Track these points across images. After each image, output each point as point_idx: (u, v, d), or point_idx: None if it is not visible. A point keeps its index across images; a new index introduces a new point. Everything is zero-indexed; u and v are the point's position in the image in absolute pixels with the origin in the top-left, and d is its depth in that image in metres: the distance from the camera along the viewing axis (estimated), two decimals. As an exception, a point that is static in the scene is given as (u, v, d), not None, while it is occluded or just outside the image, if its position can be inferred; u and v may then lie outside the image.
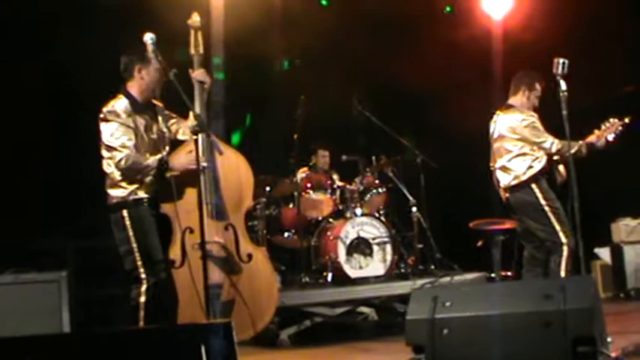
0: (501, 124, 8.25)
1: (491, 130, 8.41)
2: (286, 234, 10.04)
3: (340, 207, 9.92)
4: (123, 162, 6.49)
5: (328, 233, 9.46)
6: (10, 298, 7.63)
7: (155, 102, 6.88)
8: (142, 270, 6.53)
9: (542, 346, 5.26)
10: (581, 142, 8.11)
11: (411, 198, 9.98)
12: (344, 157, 10.43)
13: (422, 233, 10.02)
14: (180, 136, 7.00)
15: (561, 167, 8.19)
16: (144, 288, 6.52)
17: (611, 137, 8.21)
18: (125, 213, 6.60)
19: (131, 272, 6.58)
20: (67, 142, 9.24)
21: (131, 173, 6.57)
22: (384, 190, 10.12)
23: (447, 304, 5.61)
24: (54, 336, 6.04)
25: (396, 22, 11.55)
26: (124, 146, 6.50)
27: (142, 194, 6.65)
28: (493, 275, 8.84)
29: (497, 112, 8.39)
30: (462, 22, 11.65)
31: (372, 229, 9.40)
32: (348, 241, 9.25)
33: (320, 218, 9.85)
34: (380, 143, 10.57)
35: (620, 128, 8.22)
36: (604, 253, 10.74)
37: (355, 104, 10.29)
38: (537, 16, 11.03)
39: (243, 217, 7.18)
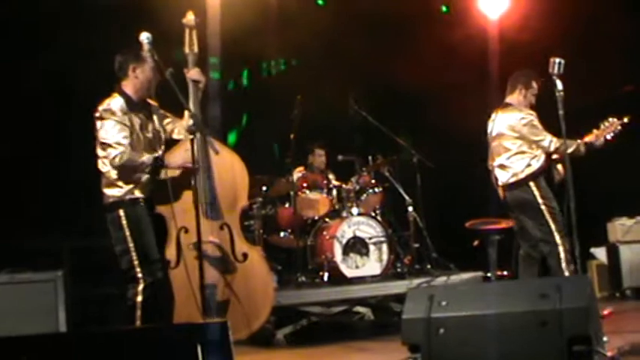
0: (500, 122, 8.26)
1: (489, 129, 8.42)
2: (282, 233, 10.04)
3: (336, 206, 9.93)
4: (118, 159, 6.48)
5: (324, 233, 9.47)
6: (6, 297, 7.64)
7: (150, 101, 6.88)
8: (138, 269, 6.53)
9: (538, 346, 5.26)
10: (579, 141, 8.13)
11: (407, 197, 9.98)
12: (340, 157, 10.43)
13: (418, 233, 10.02)
14: (175, 136, 7.00)
15: (559, 166, 8.19)
16: (140, 287, 6.52)
17: (609, 136, 8.22)
18: (121, 212, 6.60)
19: (128, 272, 6.58)
20: (64, 142, 9.23)
21: (126, 171, 6.57)
22: (381, 189, 10.13)
23: (443, 303, 5.61)
24: (50, 336, 6.04)
25: (392, 21, 11.55)
26: (119, 143, 6.50)
27: (138, 194, 6.65)
28: (489, 275, 8.85)
29: (495, 111, 8.39)
30: (458, 21, 11.65)
31: (368, 228, 9.41)
32: (344, 241, 9.26)
33: (316, 218, 9.85)
34: (376, 143, 10.57)
35: (620, 128, 8.24)
36: (600, 253, 10.75)
37: (351, 104, 10.29)
38: (534, 16, 11.03)
39: (239, 216, 7.18)
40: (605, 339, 5.66)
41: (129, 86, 6.72)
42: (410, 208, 9.95)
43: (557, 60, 7.23)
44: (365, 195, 10.00)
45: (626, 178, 10.17)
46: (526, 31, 10.96)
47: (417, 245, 10.05)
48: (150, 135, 6.79)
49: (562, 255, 7.91)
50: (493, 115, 8.40)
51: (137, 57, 6.66)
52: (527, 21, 11.10)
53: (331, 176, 10.43)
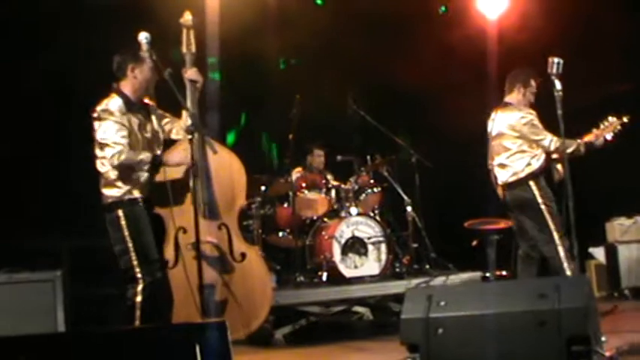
0: (500, 122, 8.25)
1: (489, 129, 8.41)
2: (281, 233, 10.04)
3: (335, 206, 9.93)
4: (116, 157, 6.47)
5: (323, 233, 9.46)
6: (5, 297, 7.64)
7: (148, 101, 6.88)
8: (137, 269, 6.52)
9: (536, 346, 5.26)
10: (579, 140, 8.13)
11: (405, 197, 9.98)
12: (339, 157, 10.44)
13: (417, 233, 10.02)
14: (173, 136, 7.00)
15: (559, 166, 8.19)
16: (140, 287, 6.51)
17: (609, 136, 8.22)
18: (120, 212, 6.60)
19: (127, 272, 6.57)
20: (64, 142, 9.23)
21: (125, 170, 6.56)
22: (379, 189, 10.13)
23: (442, 303, 5.61)
24: (48, 335, 6.04)
25: (391, 21, 11.55)
26: (117, 143, 6.49)
27: (136, 194, 6.65)
28: (488, 275, 8.86)
29: (495, 110, 8.39)
30: (456, 21, 11.65)
31: (366, 228, 9.41)
32: (342, 241, 9.26)
33: (315, 218, 9.85)
34: (375, 143, 10.57)
35: (619, 127, 8.24)
36: (598, 253, 10.75)
37: (350, 104, 10.29)
38: (532, 16, 11.02)
39: (237, 216, 7.19)
40: (603, 339, 5.66)
41: (127, 86, 6.72)
42: (409, 208, 9.95)
43: (556, 60, 7.23)
44: (363, 195, 10.00)
45: (625, 178, 10.17)
46: (525, 31, 10.96)
47: (415, 245, 10.05)
48: (148, 135, 6.78)
49: (562, 254, 7.91)
50: (493, 115, 8.39)
51: (136, 57, 6.65)
52: (526, 21, 11.10)
53: (329, 176, 10.43)
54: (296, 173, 10.19)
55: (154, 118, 6.88)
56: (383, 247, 9.39)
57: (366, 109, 10.31)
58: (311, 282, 9.29)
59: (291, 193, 9.65)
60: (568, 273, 7.79)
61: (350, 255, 9.29)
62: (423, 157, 10.27)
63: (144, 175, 6.65)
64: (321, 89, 10.72)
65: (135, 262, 6.52)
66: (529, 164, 8.10)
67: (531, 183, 8.08)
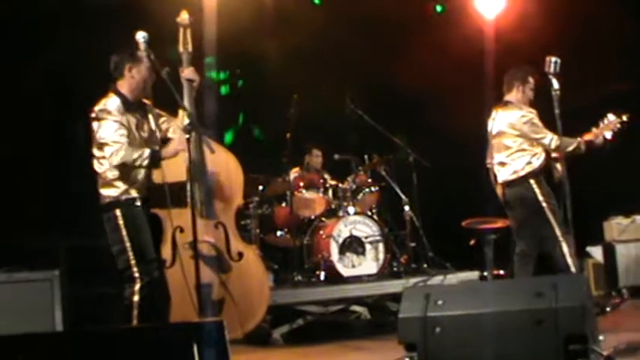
0: (500, 120, 8.25)
1: (489, 128, 8.40)
2: (279, 233, 10.05)
3: (333, 206, 9.93)
4: (115, 155, 6.47)
5: (321, 232, 9.47)
6: (3, 296, 7.64)
7: (145, 101, 6.87)
8: (135, 269, 6.53)
9: (534, 344, 5.27)
10: (579, 139, 8.13)
11: (403, 196, 9.98)
12: (336, 156, 10.44)
13: (414, 232, 10.02)
14: (170, 135, 6.99)
15: (558, 165, 8.18)
16: (137, 287, 6.51)
17: (609, 135, 8.22)
18: (118, 212, 6.61)
19: (124, 271, 6.58)
20: (63, 142, 9.23)
21: (124, 169, 6.55)
22: (377, 188, 10.13)
23: (439, 302, 5.62)
24: (46, 335, 6.03)
25: (388, 21, 11.54)
26: (116, 142, 6.49)
27: (134, 194, 6.65)
28: (485, 274, 8.85)
29: (496, 109, 8.38)
30: (454, 21, 11.64)
31: (364, 227, 9.41)
32: (340, 240, 9.26)
33: (312, 217, 9.86)
34: (372, 142, 10.57)
35: (619, 126, 8.24)
36: (596, 252, 10.75)
37: (347, 103, 10.29)
38: (530, 16, 11.03)
39: (234, 215, 7.20)
40: (600, 338, 5.67)
41: (125, 86, 6.72)
42: (406, 207, 9.95)
43: (554, 59, 7.23)
44: (361, 194, 10.01)
45: (623, 177, 10.17)
46: (523, 31, 10.96)
47: (413, 244, 10.05)
48: (145, 134, 6.78)
49: (565, 250, 7.90)
50: (493, 114, 8.39)
51: (133, 57, 6.65)
52: (523, 20, 11.09)
53: (327, 176, 10.44)
54: (294, 173, 10.20)
55: (151, 117, 6.88)
56: (380, 246, 9.40)
57: (364, 108, 10.31)
58: (309, 281, 9.30)
59: (288, 193, 9.66)
60: (572, 269, 7.80)
61: (348, 254, 9.29)
62: (421, 156, 10.27)
63: (142, 173, 6.65)
64: (318, 88, 10.71)
65: (132, 262, 6.52)
66: (529, 163, 8.09)
67: (532, 181, 8.08)
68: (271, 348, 8.31)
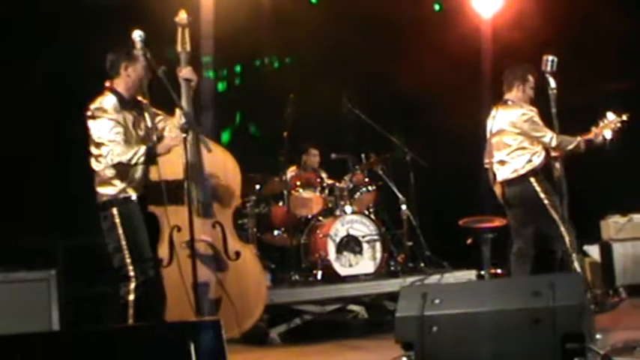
0: (501, 119, 8.24)
1: (489, 126, 8.39)
2: (276, 232, 10.04)
3: (330, 205, 9.93)
4: (111, 153, 6.48)
5: (318, 231, 9.47)
6: (0, 296, 7.63)
7: (141, 99, 6.87)
8: (130, 268, 6.53)
9: (531, 343, 5.27)
10: (579, 138, 8.14)
11: (400, 196, 9.98)
12: (333, 155, 10.43)
13: (411, 231, 10.01)
14: (167, 134, 6.98)
15: (557, 164, 8.19)
16: (133, 286, 6.51)
17: (608, 134, 8.22)
18: (115, 211, 6.61)
19: (120, 270, 6.58)
20: (62, 142, 9.22)
21: (122, 166, 6.54)
22: (374, 187, 10.12)
23: (437, 301, 5.62)
24: (43, 334, 6.02)
25: (386, 20, 11.54)
26: (112, 141, 6.50)
27: (131, 192, 6.65)
28: (483, 273, 8.86)
29: (496, 108, 8.37)
30: (451, 20, 11.64)
31: (361, 226, 9.41)
32: (337, 239, 9.26)
33: (310, 216, 9.85)
34: (369, 141, 10.56)
35: (619, 125, 8.25)
36: (593, 251, 10.75)
37: (345, 102, 10.29)
38: (528, 14, 11.03)
39: (231, 214, 7.20)
40: (598, 336, 5.67)
41: (120, 84, 6.72)
42: (403, 207, 9.94)
43: (551, 58, 7.23)
44: (358, 193, 10.00)
45: (619, 176, 10.18)
46: (520, 30, 10.96)
47: (410, 243, 10.04)
48: (142, 132, 6.78)
49: (568, 245, 7.91)
50: (493, 112, 8.38)
51: (129, 55, 6.65)
52: (521, 19, 11.09)
53: (324, 175, 10.43)
54: (291, 172, 10.20)
55: (147, 115, 6.87)
56: (378, 245, 9.40)
57: (361, 107, 10.30)
58: (306, 281, 9.29)
59: (285, 192, 9.64)
60: (575, 264, 7.81)
61: (345, 253, 9.29)
62: (418, 155, 10.26)
63: (139, 171, 6.64)
64: (315, 88, 10.71)
65: (128, 261, 6.52)
66: (530, 161, 8.09)
67: (532, 179, 8.07)
68: (268, 347, 8.31)
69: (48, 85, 9.44)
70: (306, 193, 9.93)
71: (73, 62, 9.15)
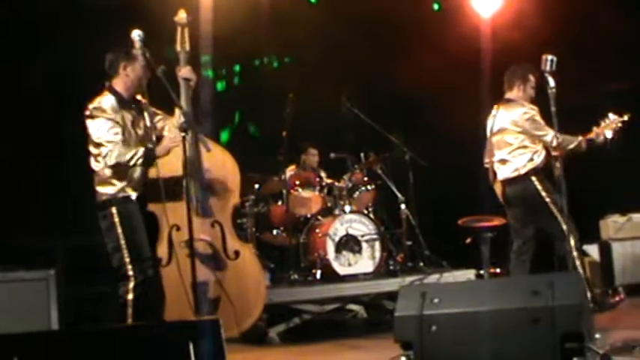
0: (502, 117, 8.24)
1: (489, 125, 8.39)
2: (275, 231, 10.04)
3: (329, 204, 9.93)
4: (110, 155, 6.49)
5: (317, 230, 9.47)
6: (-1, 296, 7.65)
7: (141, 99, 6.86)
8: (129, 267, 6.53)
9: (530, 342, 5.27)
10: (580, 137, 8.14)
11: (399, 195, 9.97)
12: (332, 155, 10.43)
13: (411, 230, 10.01)
14: (166, 133, 6.98)
15: (557, 163, 8.18)
16: (132, 285, 6.51)
17: (609, 134, 8.23)
18: (114, 210, 6.61)
19: (119, 269, 6.57)
20: (62, 142, 9.22)
21: (120, 167, 6.55)
22: (373, 187, 10.12)
23: (436, 300, 5.62)
24: (42, 334, 6.02)
25: (385, 19, 11.54)
26: (110, 141, 6.51)
27: (130, 192, 6.66)
28: (482, 272, 8.85)
29: (497, 106, 8.37)
30: (450, 20, 11.64)
31: (360, 226, 9.41)
32: (336, 239, 9.26)
33: (309, 216, 9.85)
34: (368, 140, 10.57)
35: (620, 125, 8.26)
36: (592, 250, 10.74)
37: (344, 101, 10.29)
38: (527, 14, 11.02)
39: (230, 214, 7.19)
40: (597, 336, 5.67)
41: (119, 84, 6.72)
42: (402, 206, 9.94)
43: (550, 57, 7.22)
44: (357, 192, 10.00)
45: (619, 175, 10.18)
46: (519, 30, 10.96)
47: (409, 243, 10.04)
48: (141, 132, 6.79)
49: (572, 243, 7.90)
50: (494, 111, 8.38)
51: (128, 55, 6.65)
52: (520, 19, 11.09)
53: (323, 174, 10.43)
54: (290, 171, 10.20)
55: (146, 115, 6.87)
56: (377, 244, 9.40)
57: (360, 106, 10.30)
58: (305, 280, 9.29)
59: (284, 191, 9.65)
60: (577, 263, 7.81)
61: (344, 253, 9.29)
62: (417, 154, 10.26)
63: (138, 171, 6.65)
64: (314, 87, 10.71)
65: (127, 260, 6.52)
66: (531, 160, 8.09)
67: (534, 178, 8.07)
68: (267, 347, 8.31)
69: (48, 85, 9.44)
70: (305, 193, 9.93)
71: (73, 62, 9.15)
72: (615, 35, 10.69)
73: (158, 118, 6.97)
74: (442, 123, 10.95)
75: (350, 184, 9.96)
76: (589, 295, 7.65)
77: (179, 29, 7.05)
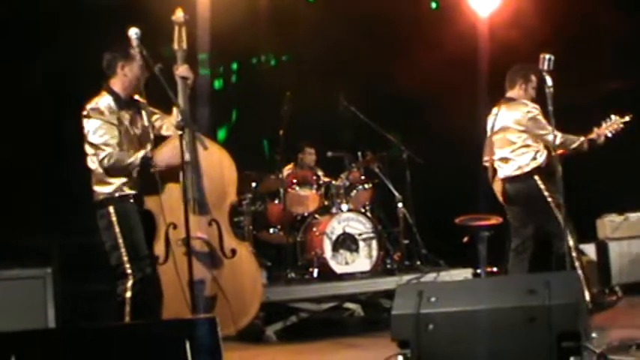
0: (504, 116, 8.24)
1: (490, 124, 8.39)
2: (272, 230, 10.04)
3: (326, 203, 9.94)
4: (106, 160, 6.50)
5: (314, 229, 9.47)
6: (-4, 294, 7.64)
7: (138, 98, 6.86)
8: (127, 265, 6.53)
9: (526, 342, 5.27)
10: (582, 137, 8.16)
11: (396, 194, 9.98)
12: (329, 153, 10.43)
13: (408, 229, 10.02)
14: (164, 132, 7.00)
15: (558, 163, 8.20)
16: (130, 283, 6.51)
17: (610, 134, 8.26)
18: (111, 209, 6.61)
19: (117, 268, 6.58)
20: (61, 142, 9.22)
21: (115, 171, 6.57)
22: (370, 185, 10.13)
23: (433, 299, 5.61)
24: (38, 332, 6.02)
25: (382, 18, 11.55)
26: (106, 144, 6.51)
27: (127, 190, 6.66)
28: (479, 271, 8.86)
29: (498, 105, 8.37)
30: (448, 19, 11.64)
31: (357, 224, 9.41)
32: (333, 237, 9.27)
33: (306, 214, 9.86)
34: (366, 139, 10.57)
35: (621, 126, 8.28)
36: (589, 250, 10.74)
37: (341, 100, 10.29)
38: (525, 13, 11.03)
39: (227, 212, 7.18)
40: (593, 335, 5.67)
41: (117, 84, 6.72)
42: (399, 205, 9.95)
43: (547, 56, 7.23)
44: (354, 191, 10.00)
45: (616, 175, 10.18)
46: (517, 29, 10.96)
47: (406, 241, 10.05)
48: (139, 131, 6.79)
49: (571, 243, 7.91)
50: (495, 110, 8.39)
51: (126, 55, 6.65)
52: (518, 18, 11.10)
53: (320, 172, 10.43)
54: (287, 170, 10.20)
55: (144, 114, 6.88)
56: (374, 243, 9.41)
57: (357, 105, 10.30)
58: (302, 278, 9.29)
59: (281, 190, 9.65)
60: (577, 263, 7.82)
61: (341, 251, 9.30)
62: (414, 153, 10.27)
63: (135, 171, 6.65)
64: (312, 85, 10.71)
65: (125, 258, 6.52)
66: (534, 159, 8.09)
67: (536, 177, 8.08)
68: (264, 345, 8.31)
69: (48, 85, 9.44)
70: (302, 191, 9.93)
71: (73, 62, 9.15)
72: (614, 35, 10.69)
73: (156, 117, 6.98)
74: (439, 122, 10.95)
75: (347, 183, 9.96)
76: (587, 294, 7.68)
77: (176, 28, 7.04)
